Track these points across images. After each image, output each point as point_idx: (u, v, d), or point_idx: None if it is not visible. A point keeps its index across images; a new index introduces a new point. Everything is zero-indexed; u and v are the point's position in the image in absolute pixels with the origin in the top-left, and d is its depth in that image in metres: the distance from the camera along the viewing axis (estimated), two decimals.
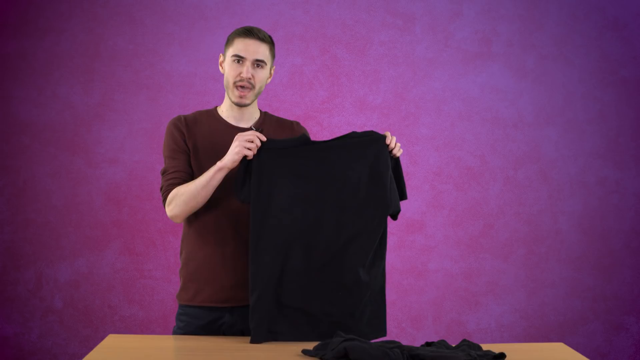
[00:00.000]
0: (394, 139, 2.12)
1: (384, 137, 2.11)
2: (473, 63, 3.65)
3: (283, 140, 2.09)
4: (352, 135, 2.12)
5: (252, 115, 2.26)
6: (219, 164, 2.05)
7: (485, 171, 3.65)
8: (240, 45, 2.14)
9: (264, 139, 2.04)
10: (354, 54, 3.62)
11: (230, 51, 2.16)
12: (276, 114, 2.38)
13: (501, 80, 3.66)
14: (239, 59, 2.14)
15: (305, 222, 2.07)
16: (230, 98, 2.20)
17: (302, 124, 2.35)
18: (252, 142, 2.02)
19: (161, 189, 2.18)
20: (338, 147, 2.09)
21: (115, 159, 3.53)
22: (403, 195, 2.18)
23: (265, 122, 2.26)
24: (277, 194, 2.05)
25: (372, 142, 2.11)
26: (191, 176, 2.17)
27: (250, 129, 2.22)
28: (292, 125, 2.29)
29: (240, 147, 2.02)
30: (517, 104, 3.66)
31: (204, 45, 3.56)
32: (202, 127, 2.21)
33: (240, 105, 2.19)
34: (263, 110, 2.33)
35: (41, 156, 3.51)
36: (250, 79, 2.14)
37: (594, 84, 3.68)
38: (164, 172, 2.19)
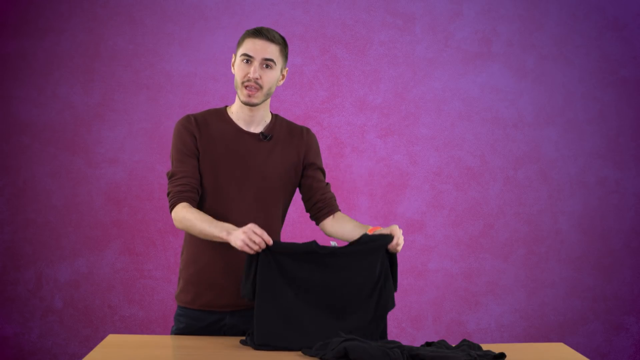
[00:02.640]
0: (402, 238, 2.07)
1: (392, 237, 2.06)
2: (473, 63, 3.65)
3: (289, 245, 2.04)
4: (362, 241, 2.06)
5: (263, 118, 2.21)
6: (225, 234, 2.00)
7: (485, 171, 3.65)
8: (249, 45, 2.12)
9: (270, 242, 1.98)
10: (354, 54, 3.62)
11: (240, 51, 2.14)
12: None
13: (501, 80, 3.66)
14: (248, 58, 2.11)
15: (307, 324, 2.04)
16: (239, 98, 2.15)
17: (302, 124, 2.32)
18: (258, 243, 1.96)
19: (169, 194, 2.13)
20: (345, 255, 2.05)
21: (115, 159, 3.53)
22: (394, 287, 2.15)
23: (275, 127, 2.22)
24: (279, 296, 2.01)
25: (380, 248, 2.06)
26: (199, 181, 2.13)
27: (260, 134, 2.19)
28: (302, 133, 2.25)
29: (243, 244, 1.96)
30: (517, 104, 3.66)
31: (204, 45, 3.56)
32: (211, 129, 2.17)
33: (248, 105, 2.14)
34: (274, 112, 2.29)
35: (41, 156, 3.51)
36: (257, 79, 2.10)
37: (594, 84, 3.68)
38: (171, 176, 2.14)
